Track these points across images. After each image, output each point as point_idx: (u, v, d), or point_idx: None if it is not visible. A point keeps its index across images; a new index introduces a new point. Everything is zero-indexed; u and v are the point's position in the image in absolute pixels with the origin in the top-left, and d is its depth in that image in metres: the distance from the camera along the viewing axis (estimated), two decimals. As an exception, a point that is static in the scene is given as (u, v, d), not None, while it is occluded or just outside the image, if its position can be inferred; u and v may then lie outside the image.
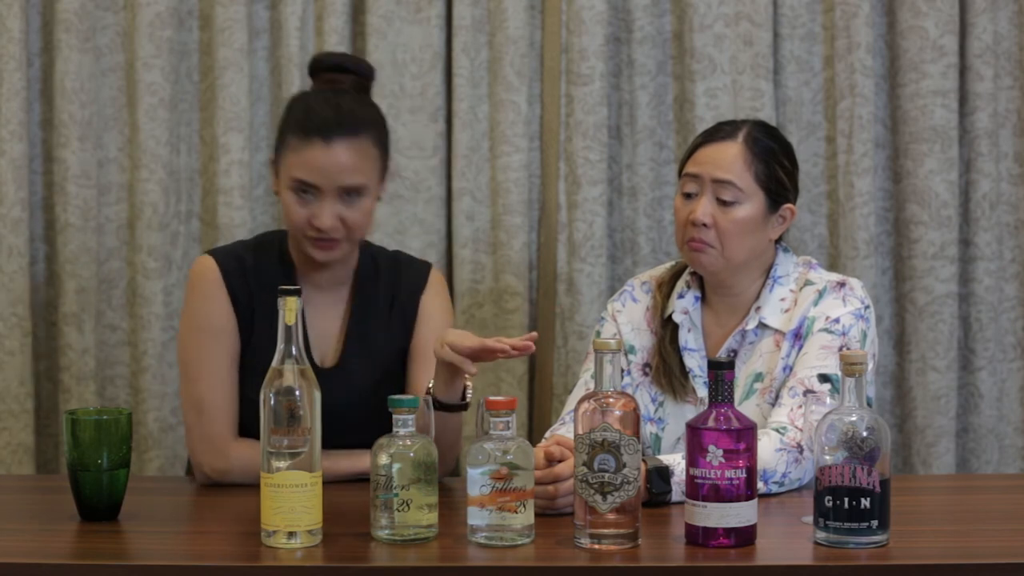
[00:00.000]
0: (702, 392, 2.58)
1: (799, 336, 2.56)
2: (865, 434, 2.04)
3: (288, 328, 2.07)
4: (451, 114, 3.38)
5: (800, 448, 2.41)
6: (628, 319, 2.70)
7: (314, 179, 2.48)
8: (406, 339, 2.63)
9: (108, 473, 2.23)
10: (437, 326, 2.60)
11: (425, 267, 2.70)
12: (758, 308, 2.59)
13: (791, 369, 2.54)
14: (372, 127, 2.54)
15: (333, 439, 2.27)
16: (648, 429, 2.64)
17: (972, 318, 3.38)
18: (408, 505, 2.08)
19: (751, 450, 2.06)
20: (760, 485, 2.31)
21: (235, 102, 3.33)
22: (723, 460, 2.04)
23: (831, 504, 2.04)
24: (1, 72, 3.30)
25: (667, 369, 2.63)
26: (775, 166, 2.59)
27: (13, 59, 3.30)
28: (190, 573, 2.02)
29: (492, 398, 2.09)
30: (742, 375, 2.58)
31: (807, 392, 2.46)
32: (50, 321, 3.41)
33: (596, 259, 3.35)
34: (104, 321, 3.39)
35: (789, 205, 2.61)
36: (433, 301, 2.66)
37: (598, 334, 2.73)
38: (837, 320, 2.54)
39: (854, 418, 2.05)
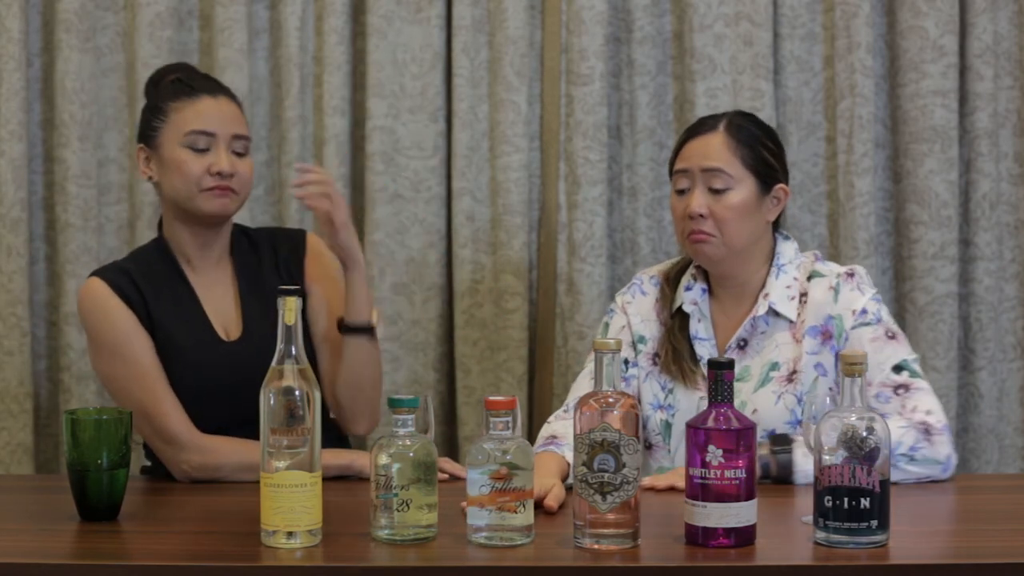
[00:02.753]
0: None
1: (829, 335, 2.60)
2: (865, 434, 2.04)
3: (288, 328, 2.07)
4: (451, 114, 3.38)
5: (929, 429, 2.47)
6: (637, 310, 2.74)
7: (210, 126, 2.63)
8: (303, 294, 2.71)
9: (108, 473, 2.23)
10: (329, 285, 2.74)
11: (300, 233, 2.81)
12: (766, 295, 2.64)
13: (830, 372, 2.59)
14: (240, 101, 2.74)
15: (255, 406, 2.30)
16: (658, 416, 2.67)
17: (972, 318, 3.38)
18: (408, 505, 2.08)
19: (751, 450, 2.06)
20: None
21: (235, 102, 3.33)
22: (723, 460, 2.04)
23: (831, 504, 2.04)
24: (1, 72, 3.31)
25: (676, 356, 2.66)
26: (760, 148, 2.64)
27: (13, 59, 3.30)
28: (190, 573, 2.02)
29: (492, 398, 2.09)
30: (756, 364, 2.63)
31: (897, 388, 2.53)
32: (50, 321, 3.41)
33: (596, 259, 3.35)
34: (104, 321, 3.39)
35: (781, 185, 2.66)
36: (318, 261, 2.76)
37: (606, 326, 2.77)
38: (864, 311, 2.59)
39: (854, 418, 2.05)
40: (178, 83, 2.68)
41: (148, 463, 2.76)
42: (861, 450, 2.04)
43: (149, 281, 2.65)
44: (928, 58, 3.33)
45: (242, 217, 3.32)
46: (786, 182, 2.68)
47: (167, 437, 2.58)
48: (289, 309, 2.07)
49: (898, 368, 2.55)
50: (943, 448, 2.47)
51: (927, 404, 2.51)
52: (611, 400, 2.05)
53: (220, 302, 2.70)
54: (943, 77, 3.32)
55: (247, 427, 2.45)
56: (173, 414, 2.59)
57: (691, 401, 2.63)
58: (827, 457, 2.05)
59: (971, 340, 3.39)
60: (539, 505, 2.22)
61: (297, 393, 2.06)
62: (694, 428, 2.07)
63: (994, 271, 3.38)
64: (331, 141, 3.34)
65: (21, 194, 3.32)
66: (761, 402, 2.60)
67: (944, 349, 3.32)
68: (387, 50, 3.37)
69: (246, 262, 2.73)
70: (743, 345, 2.65)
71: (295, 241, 2.77)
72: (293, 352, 2.07)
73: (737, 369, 2.60)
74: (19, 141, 3.32)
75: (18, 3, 3.30)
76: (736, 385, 2.56)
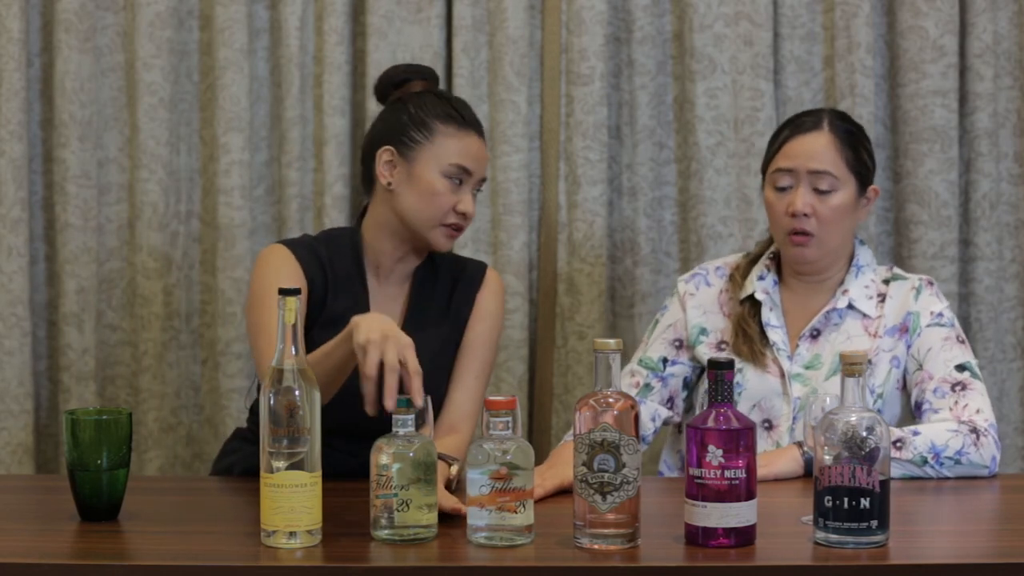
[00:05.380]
0: (785, 364, 2.72)
1: (905, 330, 2.70)
2: (865, 434, 2.04)
3: (287, 328, 2.07)
4: (451, 114, 3.38)
5: (976, 430, 2.54)
6: (699, 303, 2.81)
7: (472, 166, 2.61)
8: (459, 334, 2.67)
9: (108, 473, 2.23)
10: (489, 325, 2.69)
11: (481, 266, 2.76)
12: (845, 291, 2.74)
13: (902, 364, 2.70)
14: None
15: (375, 423, 2.29)
16: None
17: (972, 318, 3.38)
18: (408, 505, 2.08)
19: (751, 450, 2.06)
20: (928, 459, 2.50)
21: (235, 102, 3.33)
22: (723, 460, 2.04)
23: (831, 504, 2.04)
24: (1, 72, 3.31)
25: (747, 339, 2.74)
26: (860, 149, 2.73)
27: (13, 59, 3.30)
28: (190, 573, 2.02)
29: (492, 398, 2.09)
30: (827, 353, 2.71)
31: (955, 385, 2.63)
32: (50, 321, 3.41)
33: (596, 259, 3.35)
34: (104, 321, 3.39)
35: (873, 186, 2.76)
36: (490, 299, 2.71)
37: (656, 323, 2.83)
38: (941, 314, 2.71)
39: (854, 418, 2.05)
40: (446, 104, 2.64)
41: (245, 425, 2.76)
42: (861, 450, 2.04)
43: (334, 269, 2.62)
44: (928, 58, 3.33)
45: (243, 216, 3.34)
46: (874, 181, 2.77)
47: (258, 370, 2.50)
48: (289, 309, 2.07)
49: (961, 367, 2.65)
50: (988, 451, 2.54)
51: (978, 403, 2.61)
52: (611, 400, 2.05)
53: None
54: (943, 77, 3.32)
55: (359, 440, 2.44)
56: (267, 350, 2.44)
57: (760, 380, 2.71)
58: (827, 457, 2.06)
59: (971, 340, 3.38)
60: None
61: (297, 393, 2.06)
62: (694, 428, 2.07)
63: (994, 271, 3.38)
64: (331, 141, 3.34)
65: (21, 194, 3.32)
66: (834, 390, 2.60)
67: (944, 349, 3.32)
68: (387, 50, 3.37)
69: (423, 286, 2.68)
70: (815, 335, 2.73)
71: (474, 273, 2.72)
72: (293, 352, 2.07)
73: (808, 357, 2.73)
74: (19, 141, 3.32)
75: (18, 3, 3.30)
76: (806, 372, 2.71)
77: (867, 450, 2.04)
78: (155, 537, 2.18)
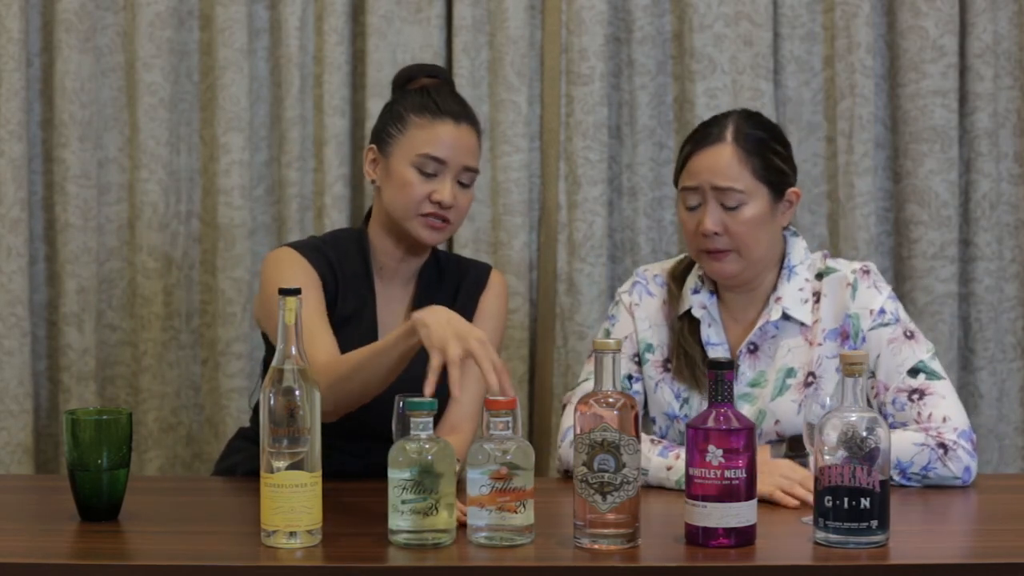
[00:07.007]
0: None
1: (846, 336, 2.55)
2: (865, 434, 2.04)
3: (288, 328, 2.07)
4: (451, 114, 3.38)
5: (944, 446, 2.43)
6: (646, 314, 2.66)
7: (443, 154, 2.58)
8: None
9: (108, 473, 2.23)
10: (492, 326, 2.67)
11: (486, 268, 2.76)
12: (778, 299, 2.57)
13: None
14: (480, 130, 2.68)
15: (380, 423, 2.30)
16: (676, 427, 2.62)
17: (972, 318, 3.38)
18: (435, 510, 2.06)
19: (751, 450, 2.06)
20: (894, 475, 2.38)
21: (235, 102, 3.33)
22: (723, 460, 2.04)
23: (831, 504, 2.04)
24: (1, 72, 3.30)
25: (689, 362, 2.59)
26: (770, 156, 2.55)
27: (13, 59, 3.30)
28: (190, 573, 2.02)
29: (492, 398, 2.09)
30: (771, 370, 2.57)
31: (912, 394, 2.49)
32: (50, 321, 3.41)
33: (596, 259, 3.35)
34: (104, 321, 3.39)
35: (793, 189, 2.59)
36: (492, 302, 2.71)
37: (607, 332, 2.69)
38: (882, 311, 2.54)
39: (854, 418, 2.05)
40: (426, 96, 2.62)
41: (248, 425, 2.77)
42: (861, 450, 2.04)
43: (342, 269, 2.63)
44: (928, 58, 3.33)
45: (243, 216, 3.33)
46: (796, 182, 2.60)
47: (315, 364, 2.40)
48: (289, 309, 2.07)
49: (914, 371, 2.51)
50: (959, 464, 2.44)
51: (943, 410, 2.48)
52: (611, 400, 2.05)
53: (392, 318, 2.65)
54: (943, 77, 3.32)
55: (364, 440, 2.47)
56: (324, 348, 2.45)
57: (704, 407, 2.57)
58: (827, 457, 2.06)
59: (971, 340, 3.39)
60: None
61: (297, 393, 2.06)
62: (694, 428, 2.07)
63: (994, 271, 3.38)
64: (331, 141, 3.34)
65: (21, 194, 3.32)
66: (782, 411, 2.54)
67: (944, 349, 3.32)
68: (387, 50, 3.37)
69: (428, 287, 2.68)
70: (754, 350, 2.58)
71: (478, 275, 2.72)
72: (293, 352, 2.07)
73: (751, 375, 2.59)
74: (19, 141, 3.32)
75: (18, 3, 3.29)
76: (752, 391, 2.57)
77: (867, 450, 2.04)
78: (155, 537, 2.19)
